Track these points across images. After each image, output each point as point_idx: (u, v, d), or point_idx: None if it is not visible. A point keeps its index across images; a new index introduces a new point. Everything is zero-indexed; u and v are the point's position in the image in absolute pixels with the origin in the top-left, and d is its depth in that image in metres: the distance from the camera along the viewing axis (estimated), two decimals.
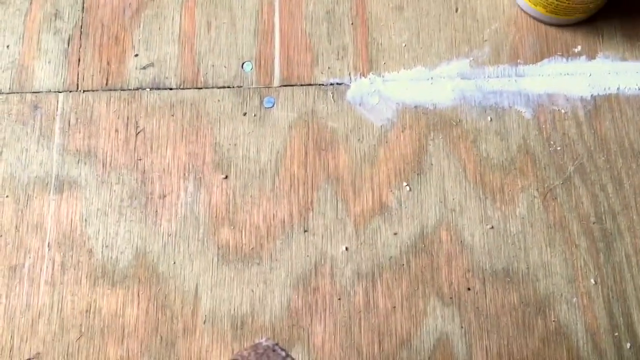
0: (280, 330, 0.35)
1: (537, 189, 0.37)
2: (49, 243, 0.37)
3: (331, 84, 0.39)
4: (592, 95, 0.38)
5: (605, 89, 0.38)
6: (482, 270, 0.35)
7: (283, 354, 0.22)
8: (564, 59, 0.39)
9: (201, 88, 0.39)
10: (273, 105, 0.39)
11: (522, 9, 0.39)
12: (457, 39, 0.39)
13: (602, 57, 0.39)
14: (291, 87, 0.39)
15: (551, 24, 0.39)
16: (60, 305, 0.36)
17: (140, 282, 0.36)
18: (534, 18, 0.39)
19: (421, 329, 0.35)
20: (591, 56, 0.39)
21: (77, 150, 0.38)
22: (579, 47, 0.39)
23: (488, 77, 0.39)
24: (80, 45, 0.40)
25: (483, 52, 0.39)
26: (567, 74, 0.39)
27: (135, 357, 0.35)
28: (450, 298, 0.35)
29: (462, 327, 0.35)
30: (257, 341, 0.24)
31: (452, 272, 0.36)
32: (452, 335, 0.35)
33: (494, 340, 0.35)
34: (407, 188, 0.37)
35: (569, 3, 0.36)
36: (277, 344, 0.23)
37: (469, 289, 0.35)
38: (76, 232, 0.37)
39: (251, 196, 0.37)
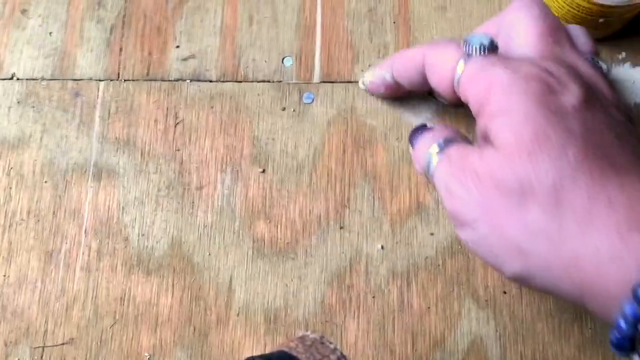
0: (313, 325, 0.35)
1: None
2: (85, 230, 0.37)
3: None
4: (635, 103, 0.38)
5: None
6: None
7: (332, 346, 0.22)
8: (608, 66, 0.39)
9: (241, 81, 0.39)
10: (312, 101, 0.39)
11: None
12: None
13: None
14: (331, 84, 0.39)
15: None
16: (95, 291, 0.36)
17: (175, 272, 0.36)
18: None
19: (455, 330, 0.35)
20: (636, 63, 0.39)
21: (116, 139, 0.38)
22: (624, 54, 0.39)
23: None
24: (123, 35, 0.40)
25: None
26: (611, 80, 0.38)
27: (168, 346, 0.35)
28: (486, 301, 0.35)
29: (497, 330, 0.35)
30: (301, 333, 0.24)
31: (488, 274, 0.35)
32: (486, 339, 0.34)
33: (529, 346, 0.34)
34: None
35: (577, 11, 0.36)
36: (323, 336, 0.23)
37: (505, 292, 0.35)
38: (113, 219, 0.37)
39: (288, 191, 0.37)
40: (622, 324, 0.24)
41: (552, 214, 0.26)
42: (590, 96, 0.28)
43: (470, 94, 0.30)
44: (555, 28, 0.31)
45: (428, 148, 0.31)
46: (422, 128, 0.33)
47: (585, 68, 0.30)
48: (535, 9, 0.31)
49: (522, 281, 0.28)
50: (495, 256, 0.28)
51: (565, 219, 0.26)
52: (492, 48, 0.30)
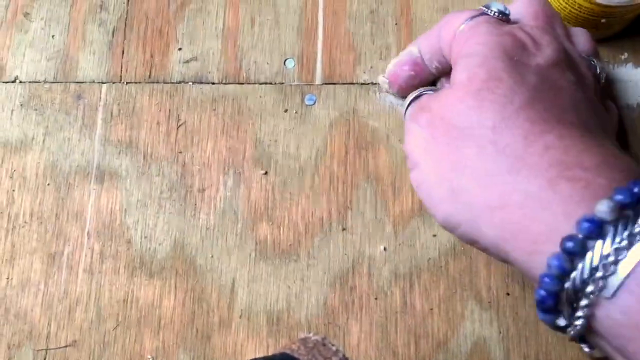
0: (316, 327, 0.35)
1: None
2: (88, 232, 0.37)
3: (373, 83, 0.39)
4: (638, 103, 0.38)
5: None
6: (521, 275, 0.35)
7: (334, 348, 0.22)
8: (610, 66, 0.39)
9: (243, 83, 0.39)
10: (314, 103, 0.39)
11: None
12: None
13: None
14: (333, 85, 0.39)
15: None
16: (97, 294, 0.36)
17: (178, 274, 0.36)
18: None
19: (458, 332, 0.35)
20: (638, 63, 0.39)
21: (118, 141, 0.38)
22: (626, 55, 0.39)
23: None
24: (125, 37, 0.41)
25: None
26: (613, 81, 0.38)
27: (170, 349, 0.35)
28: (489, 302, 0.35)
29: (500, 332, 0.34)
30: (303, 335, 0.24)
31: (491, 276, 0.35)
32: (489, 340, 0.34)
33: (532, 347, 0.34)
34: None
35: (579, 12, 0.36)
36: (325, 338, 0.23)
37: (508, 293, 0.35)
38: (115, 222, 0.37)
39: (290, 193, 0.37)
40: (547, 279, 0.23)
41: (486, 154, 0.26)
42: (561, 63, 0.29)
43: (454, 47, 0.31)
44: (551, 15, 0.32)
45: (410, 99, 0.34)
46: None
47: (572, 50, 0.31)
48: (535, 3, 0.32)
49: (452, 228, 0.28)
50: (431, 197, 0.28)
51: (497, 160, 0.26)
52: (505, 15, 0.31)
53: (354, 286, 0.36)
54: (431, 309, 0.35)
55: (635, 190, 0.22)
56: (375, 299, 0.35)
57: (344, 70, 0.39)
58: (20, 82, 0.40)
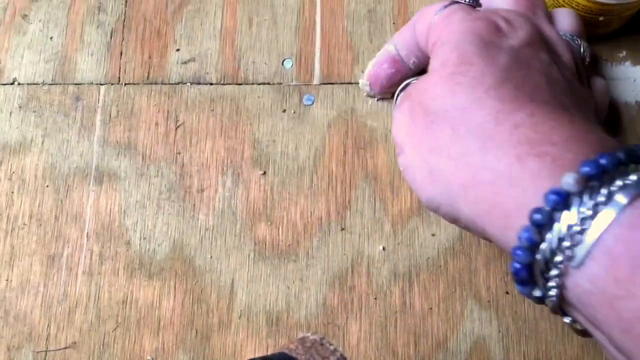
0: (315, 327, 0.35)
1: None
2: (87, 233, 0.37)
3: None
4: (636, 101, 0.38)
5: None
6: None
7: (331, 347, 0.22)
8: (609, 64, 0.38)
9: (241, 84, 0.39)
10: (312, 103, 0.39)
11: None
12: None
13: None
14: (331, 85, 0.39)
15: None
16: (97, 295, 0.36)
17: (177, 275, 0.36)
18: None
19: (458, 331, 0.35)
20: (636, 62, 0.39)
21: (117, 143, 0.38)
22: (624, 52, 0.39)
23: None
24: (123, 39, 0.41)
25: None
26: (611, 78, 0.38)
27: (170, 350, 0.35)
28: (488, 301, 0.35)
29: (499, 331, 0.34)
30: (301, 335, 0.24)
31: (491, 275, 0.35)
32: (489, 339, 0.34)
33: (532, 346, 0.34)
34: None
35: (577, 10, 0.36)
36: (323, 338, 0.23)
37: (507, 292, 0.35)
38: (114, 223, 0.37)
39: (289, 193, 0.37)
40: (519, 251, 0.24)
41: (459, 135, 0.27)
42: (535, 44, 0.29)
43: (429, 38, 0.32)
44: (533, 2, 0.32)
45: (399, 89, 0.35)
46: None
47: (549, 31, 0.31)
48: None
49: (434, 208, 0.29)
50: (415, 180, 0.29)
51: (469, 140, 0.26)
52: (476, 3, 0.32)
53: (353, 286, 0.36)
54: (430, 309, 0.35)
55: (602, 161, 0.22)
56: (375, 298, 0.35)
57: (342, 70, 0.39)
58: (19, 84, 0.40)
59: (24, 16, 0.41)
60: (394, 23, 0.40)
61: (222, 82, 0.39)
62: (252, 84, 0.39)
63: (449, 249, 0.36)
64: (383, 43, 0.39)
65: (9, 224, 0.37)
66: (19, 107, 0.39)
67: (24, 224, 0.37)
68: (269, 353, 0.34)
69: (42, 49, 0.40)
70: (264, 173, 0.38)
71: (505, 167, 0.25)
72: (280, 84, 0.39)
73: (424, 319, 0.35)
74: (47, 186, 0.38)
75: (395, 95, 0.37)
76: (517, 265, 0.24)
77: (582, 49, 0.33)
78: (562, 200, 0.22)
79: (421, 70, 0.36)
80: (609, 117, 0.36)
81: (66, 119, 0.39)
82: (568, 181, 0.22)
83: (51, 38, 0.41)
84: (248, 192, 0.37)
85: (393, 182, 0.37)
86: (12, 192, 0.38)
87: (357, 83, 0.39)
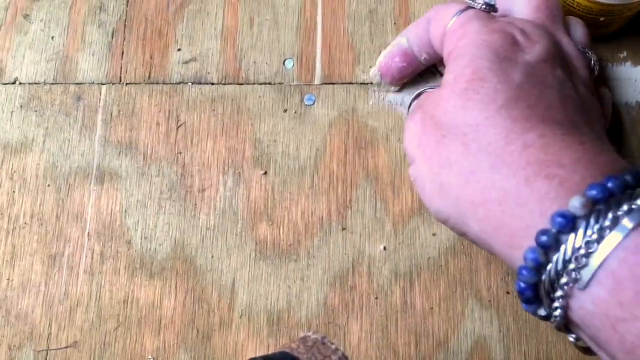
0: (316, 327, 0.35)
1: None
2: (88, 233, 0.37)
3: (372, 83, 0.39)
4: (637, 102, 0.38)
5: None
6: None
7: (333, 346, 0.22)
8: (609, 65, 0.39)
9: (242, 84, 0.39)
10: (314, 103, 0.39)
11: None
12: None
13: None
14: (332, 85, 0.39)
15: None
16: (98, 294, 0.36)
17: (178, 275, 0.36)
18: None
19: (459, 331, 0.35)
20: (637, 62, 0.39)
21: (118, 142, 0.38)
22: (625, 53, 0.39)
23: None
24: (124, 39, 0.41)
25: None
26: (612, 79, 0.38)
27: (171, 349, 0.35)
28: (489, 301, 0.35)
29: (500, 330, 0.34)
30: (303, 334, 0.24)
31: (491, 274, 0.35)
32: (490, 339, 0.34)
33: (533, 345, 0.34)
34: None
35: (578, 10, 0.36)
36: (325, 337, 0.23)
37: (508, 292, 0.35)
38: (116, 222, 0.37)
39: (290, 192, 0.37)
40: (524, 271, 0.24)
41: (469, 152, 0.27)
42: (553, 60, 0.29)
43: (445, 46, 0.32)
44: (552, 6, 0.32)
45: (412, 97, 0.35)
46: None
47: (567, 44, 0.31)
48: None
49: (443, 220, 0.30)
50: (424, 191, 0.30)
51: (479, 158, 0.26)
52: (492, 8, 0.32)
53: (354, 285, 0.36)
54: (431, 308, 0.35)
55: (609, 185, 0.23)
56: (376, 298, 0.35)
57: (343, 70, 0.39)
58: (20, 83, 0.40)
59: (26, 16, 0.41)
60: (394, 23, 0.40)
61: (223, 82, 0.39)
62: (253, 83, 0.39)
63: (450, 248, 0.36)
64: (384, 43, 0.40)
65: (10, 224, 0.37)
66: (20, 106, 0.39)
67: (25, 224, 0.37)
68: (269, 352, 0.34)
69: (44, 49, 0.41)
70: (265, 173, 0.38)
71: (514, 187, 0.25)
72: (282, 83, 0.39)
73: (425, 319, 0.35)
74: (49, 185, 0.38)
75: (408, 103, 0.37)
76: (523, 285, 0.24)
77: (592, 62, 0.33)
78: (569, 223, 0.23)
79: (432, 64, 0.37)
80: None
81: (67, 118, 0.39)
82: (575, 204, 0.23)
83: (52, 38, 0.41)
84: (249, 192, 0.37)
85: (394, 181, 0.37)
86: (14, 192, 0.38)
87: (358, 83, 0.39)
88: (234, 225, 0.37)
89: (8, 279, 0.36)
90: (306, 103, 0.39)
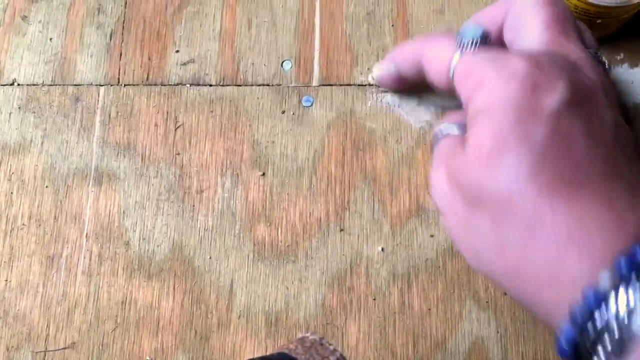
0: (314, 328, 0.35)
1: None
2: (86, 234, 0.37)
3: (370, 85, 0.39)
4: (634, 103, 0.38)
5: None
6: None
7: (331, 347, 0.22)
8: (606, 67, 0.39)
9: (240, 85, 0.39)
10: (312, 104, 0.39)
11: None
12: None
13: None
14: (330, 87, 0.39)
15: None
16: (96, 295, 0.36)
17: (176, 276, 0.36)
18: None
19: (456, 332, 0.35)
20: (634, 64, 0.39)
21: (116, 143, 0.39)
22: (622, 55, 0.39)
23: None
24: (122, 40, 0.41)
25: None
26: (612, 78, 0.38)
27: (169, 350, 0.35)
28: (487, 302, 0.35)
29: (498, 331, 0.35)
30: (301, 335, 0.24)
31: None
32: (487, 340, 0.34)
33: (530, 346, 0.34)
34: None
35: (575, 12, 0.36)
36: (323, 338, 0.23)
37: (505, 293, 0.35)
38: (114, 224, 0.37)
39: (288, 194, 0.37)
40: (561, 339, 0.24)
41: (499, 223, 0.26)
42: (577, 98, 0.27)
43: (460, 92, 0.30)
44: (563, 18, 0.30)
45: (437, 129, 0.32)
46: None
47: (587, 65, 0.29)
48: (545, 9, 0.31)
49: (485, 276, 0.29)
50: (460, 246, 0.29)
51: (510, 229, 0.26)
52: (484, 42, 0.30)
53: (352, 287, 0.36)
54: (429, 309, 0.35)
55: (637, 255, 0.23)
56: (374, 299, 0.35)
57: (341, 71, 0.39)
58: (18, 85, 0.40)
59: (24, 17, 0.41)
60: (392, 25, 0.40)
61: (221, 83, 0.40)
62: (252, 85, 0.39)
63: (448, 250, 0.36)
64: (382, 45, 0.40)
65: (8, 225, 0.37)
66: (19, 107, 0.39)
67: (24, 225, 0.37)
68: (268, 353, 0.34)
69: (42, 50, 0.41)
70: (263, 174, 0.38)
71: (545, 261, 0.25)
72: (280, 85, 0.39)
73: (423, 320, 0.35)
74: (47, 187, 0.38)
75: (431, 140, 0.36)
76: (561, 349, 0.25)
77: (606, 65, 0.32)
78: (599, 299, 0.23)
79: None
80: None
81: (65, 119, 0.39)
82: (604, 278, 0.23)
83: (51, 39, 0.41)
84: (247, 193, 0.37)
85: (392, 183, 0.37)
86: (12, 193, 0.38)
87: (356, 85, 0.39)
88: (232, 226, 0.37)
89: (6, 280, 0.36)
90: (304, 104, 0.39)
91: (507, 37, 0.32)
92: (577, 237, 0.24)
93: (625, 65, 0.39)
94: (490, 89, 0.28)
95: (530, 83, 0.27)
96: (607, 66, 0.32)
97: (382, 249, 0.36)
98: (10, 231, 0.37)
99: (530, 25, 0.31)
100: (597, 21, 0.36)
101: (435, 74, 0.32)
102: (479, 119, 0.28)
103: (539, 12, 0.31)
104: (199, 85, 0.40)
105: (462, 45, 0.30)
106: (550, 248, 0.25)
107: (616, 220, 0.25)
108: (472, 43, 0.30)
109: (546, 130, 0.26)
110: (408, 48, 0.35)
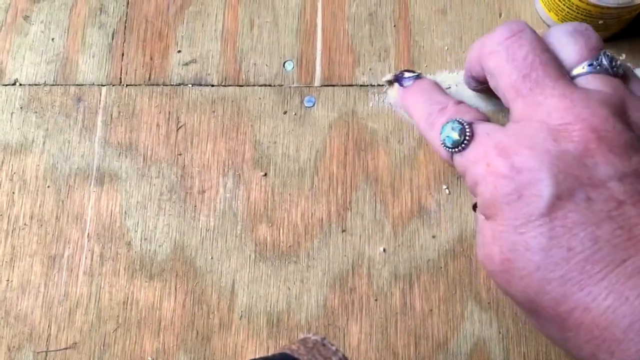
0: (316, 329, 0.35)
1: None
2: (88, 234, 0.37)
3: (372, 85, 0.39)
4: None
5: None
6: None
7: (333, 348, 0.22)
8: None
9: (242, 85, 0.39)
10: (313, 105, 0.39)
11: (540, 16, 0.39)
12: None
13: None
14: (332, 87, 0.39)
15: None
16: (98, 296, 0.36)
17: (178, 276, 0.36)
18: (548, 27, 0.39)
19: (458, 333, 0.35)
20: (636, 64, 0.39)
21: (118, 144, 0.39)
22: (624, 56, 0.39)
23: None
24: (124, 40, 0.41)
25: None
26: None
27: (171, 350, 0.35)
28: (489, 303, 0.35)
29: (499, 332, 0.34)
30: (303, 336, 0.24)
31: None
32: (489, 341, 0.34)
33: (532, 347, 0.34)
34: (447, 191, 0.37)
35: (577, 13, 0.36)
36: (325, 338, 0.23)
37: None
38: (115, 224, 0.37)
39: (290, 194, 0.37)
40: None
41: (537, 320, 0.28)
42: (565, 184, 0.26)
43: (462, 173, 0.31)
44: (529, 64, 0.29)
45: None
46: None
47: (571, 116, 0.27)
48: (511, 47, 0.29)
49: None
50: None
51: (546, 327, 0.27)
52: (466, 136, 0.30)
53: (353, 287, 0.36)
54: (431, 310, 0.35)
55: None
56: (375, 300, 0.35)
57: (343, 72, 0.39)
58: (20, 85, 0.40)
59: (26, 17, 0.41)
60: (394, 26, 0.40)
61: (223, 83, 0.39)
62: (254, 85, 0.39)
63: (449, 250, 0.36)
64: (384, 45, 0.40)
65: (9, 225, 0.37)
66: (21, 107, 0.39)
67: (25, 225, 0.37)
68: (269, 354, 0.34)
69: (44, 50, 0.41)
70: (265, 174, 0.38)
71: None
72: (282, 85, 0.39)
73: (425, 321, 0.35)
74: (48, 187, 0.38)
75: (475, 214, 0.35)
76: None
77: (614, 65, 0.30)
78: None
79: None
80: None
81: (67, 119, 0.39)
82: None
83: (53, 39, 0.41)
84: (249, 194, 0.37)
85: (394, 183, 0.37)
86: (13, 193, 0.38)
87: (358, 85, 0.39)
88: (234, 226, 0.37)
89: (8, 280, 0.36)
90: (306, 105, 0.39)
91: (491, 83, 0.32)
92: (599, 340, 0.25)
93: (628, 66, 0.39)
94: (483, 190, 0.28)
95: (515, 193, 0.27)
96: (614, 65, 0.30)
97: (384, 250, 0.36)
98: (12, 231, 0.37)
99: (500, 89, 0.30)
100: (600, 22, 0.36)
101: (443, 157, 0.32)
102: (489, 221, 0.28)
103: (504, 69, 0.29)
104: (200, 85, 0.40)
105: (446, 148, 0.30)
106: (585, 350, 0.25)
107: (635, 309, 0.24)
108: (454, 145, 0.30)
109: (541, 237, 0.26)
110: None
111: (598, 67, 0.29)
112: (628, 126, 0.27)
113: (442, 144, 0.30)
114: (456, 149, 0.30)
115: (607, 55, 0.30)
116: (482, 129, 0.30)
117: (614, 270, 0.24)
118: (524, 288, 0.26)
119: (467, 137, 0.29)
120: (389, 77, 0.38)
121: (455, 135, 0.30)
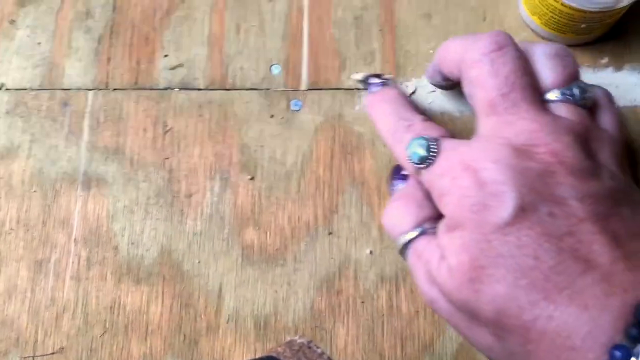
0: (303, 331, 0.35)
1: None
2: (75, 238, 0.37)
3: (358, 89, 0.39)
4: (618, 107, 0.38)
5: (631, 100, 0.39)
6: None
7: (319, 350, 0.23)
8: (591, 70, 0.39)
9: (229, 89, 0.40)
10: (300, 109, 0.39)
11: (523, 20, 0.40)
12: None
13: (629, 69, 0.39)
14: (318, 91, 0.39)
15: (546, 39, 0.39)
16: (85, 300, 0.36)
17: (165, 280, 0.36)
18: (532, 30, 0.39)
19: (444, 334, 0.35)
20: (618, 68, 0.39)
21: (105, 148, 0.39)
22: (606, 59, 0.39)
23: None
24: (111, 45, 0.41)
25: None
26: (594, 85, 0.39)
27: (158, 355, 0.35)
28: None
29: None
30: (289, 338, 0.24)
31: None
32: None
33: None
34: None
35: (560, 17, 0.37)
36: (311, 341, 0.23)
37: None
38: (102, 228, 0.37)
39: (276, 198, 0.37)
40: None
41: (498, 337, 0.27)
42: (529, 203, 0.27)
43: (429, 187, 0.31)
44: (508, 84, 0.30)
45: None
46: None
47: (542, 135, 0.28)
48: (496, 62, 0.30)
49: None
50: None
51: (508, 341, 0.27)
52: (427, 157, 0.30)
53: (340, 290, 0.36)
54: (417, 312, 0.35)
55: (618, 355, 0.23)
56: (362, 302, 0.36)
57: (330, 76, 0.40)
58: (6, 89, 0.40)
59: (12, 21, 0.41)
60: (380, 30, 0.40)
61: (210, 87, 0.40)
62: (240, 89, 0.40)
63: None
64: (369, 50, 0.40)
65: None
66: (7, 112, 0.39)
67: (11, 229, 0.37)
68: (256, 356, 0.35)
69: (30, 55, 0.41)
70: (252, 178, 0.38)
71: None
72: (268, 89, 0.40)
73: (411, 322, 0.35)
74: (35, 191, 0.38)
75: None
76: None
77: (583, 97, 0.31)
78: None
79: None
80: None
81: (54, 124, 0.39)
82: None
83: (39, 43, 0.41)
84: (236, 197, 0.38)
85: (380, 186, 0.37)
86: (0, 198, 0.38)
87: (345, 89, 0.39)
88: (221, 230, 0.37)
89: None
90: (293, 109, 0.39)
91: (465, 90, 0.32)
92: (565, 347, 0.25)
93: (610, 69, 0.39)
94: (449, 202, 0.29)
95: (478, 200, 0.27)
96: (584, 97, 0.31)
97: (371, 252, 0.36)
98: None
99: (476, 100, 0.31)
100: (582, 26, 0.37)
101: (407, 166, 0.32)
102: (448, 236, 0.28)
103: (485, 83, 0.30)
104: (187, 89, 0.40)
105: (413, 161, 0.31)
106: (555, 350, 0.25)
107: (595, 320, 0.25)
108: (419, 161, 0.30)
109: (508, 245, 0.26)
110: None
111: (569, 97, 0.30)
112: (588, 154, 0.29)
113: (408, 159, 0.31)
114: (423, 165, 0.30)
115: (580, 87, 0.31)
116: (448, 144, 0.30)
117: (575, 280, 0.25)
118: (493, 296, 0.26)
119: (433, 153, 0.30)
120: (358, 76, 0.38)
121: (422, 152, 0.30)
